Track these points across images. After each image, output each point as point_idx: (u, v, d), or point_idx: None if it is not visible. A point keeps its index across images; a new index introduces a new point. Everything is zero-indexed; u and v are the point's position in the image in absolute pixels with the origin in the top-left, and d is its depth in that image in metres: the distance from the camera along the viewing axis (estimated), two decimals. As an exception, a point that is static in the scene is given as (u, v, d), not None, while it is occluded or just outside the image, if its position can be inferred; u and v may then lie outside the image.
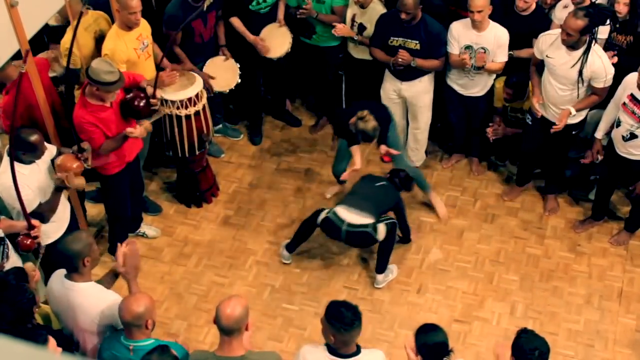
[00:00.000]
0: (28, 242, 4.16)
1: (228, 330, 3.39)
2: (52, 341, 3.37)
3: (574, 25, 4.81)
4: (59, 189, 4.47)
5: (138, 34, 5.18)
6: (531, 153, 5.71)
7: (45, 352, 2.62)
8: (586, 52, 4.91)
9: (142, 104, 4.83)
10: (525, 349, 3.50)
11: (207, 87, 5.75)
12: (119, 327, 3.67)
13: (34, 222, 4.18)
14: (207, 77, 5.79)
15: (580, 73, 4.98)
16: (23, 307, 3.60)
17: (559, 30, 4.99)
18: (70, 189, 4.53)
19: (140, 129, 4.81)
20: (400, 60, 5.53)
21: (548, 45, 5.08)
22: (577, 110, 5.18)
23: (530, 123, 5.49)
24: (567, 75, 5.05)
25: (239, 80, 5.94)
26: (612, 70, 4.98)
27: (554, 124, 5.21)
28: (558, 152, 5.53)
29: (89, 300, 3.72)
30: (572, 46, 4.94)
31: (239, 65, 5.95)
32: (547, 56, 5.11)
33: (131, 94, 4.86)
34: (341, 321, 3.42)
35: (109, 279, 4.02)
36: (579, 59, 4.94)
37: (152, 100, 4.86)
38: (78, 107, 4.70)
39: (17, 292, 3.65)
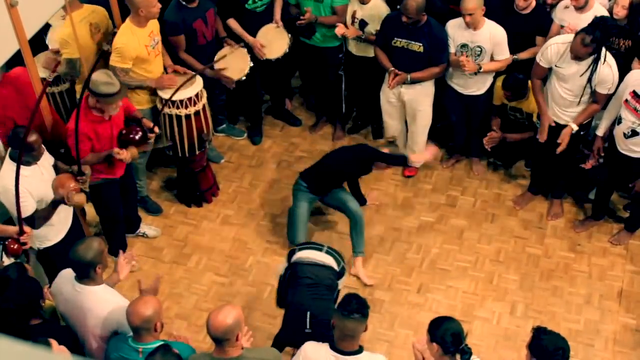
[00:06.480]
0: (15, 247, 4.12)
1: (216, 340, 3.41)
2: (54, 343, 3.36)
3: (583, 50, 4.87)
4: (56, 203, 4.39)
5: (150, 30, 5.18)
6: (543, 156, 5.66)
7: (47, 352, 2.62)
8: (596, 60, 4.94)
9: (137, 137, 4.92)
10: (550, 350, 3.48)
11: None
12: (124, 333, 3.65)
13: (26, 228, 4.15)
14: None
15: (590, 80, 5.01)
16: (32, 300, 3.63)
17: (567, 39, 5.01)
18: (71, 205, 4.48)
19: (126, 154, 4.81)
20: (394, 77, 5.55)
21: (558, 56, 5.08)
22: (578, 124, 5.23)
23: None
24: (576, 83, 5.09)
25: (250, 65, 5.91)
26: (617, 79, 5.02)
27: (559, 125, 5.25)
28: (567, 154, 5.50)
29: (101, 304, 3.72)
30: (580, 58, 4.97)
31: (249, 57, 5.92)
32: (556, 66, 5.13)
33: (128, 128, 4.92)
34: (344, 307, 3.51)
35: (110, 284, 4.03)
36: (588, 67, 4.97)
37: (149, 135, 4.95)
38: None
39: (24, 284, 3.66)
